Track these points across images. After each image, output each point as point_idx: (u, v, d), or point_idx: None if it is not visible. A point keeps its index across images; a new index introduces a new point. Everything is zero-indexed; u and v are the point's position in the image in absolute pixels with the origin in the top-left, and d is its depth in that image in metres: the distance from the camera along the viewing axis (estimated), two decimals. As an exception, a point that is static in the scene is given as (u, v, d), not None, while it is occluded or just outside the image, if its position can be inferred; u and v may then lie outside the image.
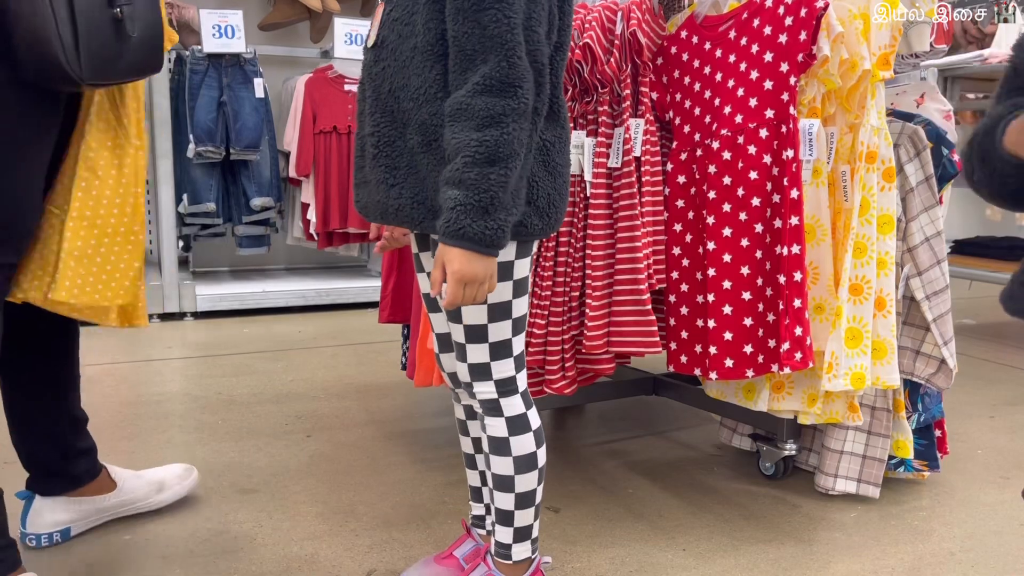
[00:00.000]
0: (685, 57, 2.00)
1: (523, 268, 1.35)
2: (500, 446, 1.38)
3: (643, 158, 1.96)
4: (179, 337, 3.74)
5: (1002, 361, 3.44)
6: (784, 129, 1.79)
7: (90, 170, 1.53)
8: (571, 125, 2.01)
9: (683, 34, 2.00)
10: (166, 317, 4.08)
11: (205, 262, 4.86)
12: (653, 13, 2.00)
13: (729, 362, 1.87)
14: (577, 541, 1.79)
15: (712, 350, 1.89)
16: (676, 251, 2.01)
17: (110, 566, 1.66)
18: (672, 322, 2.03)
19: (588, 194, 1.99)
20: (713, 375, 1.90)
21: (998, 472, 2.20)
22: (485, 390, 1.38)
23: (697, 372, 1.99)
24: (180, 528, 1.82)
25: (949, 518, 1.92)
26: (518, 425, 1.38)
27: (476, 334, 1.34)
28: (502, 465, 1.39)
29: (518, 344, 1.38)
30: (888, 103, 2.10)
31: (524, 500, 1.41)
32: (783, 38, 1.80)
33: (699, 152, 1.95)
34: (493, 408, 1.38)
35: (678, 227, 2.01)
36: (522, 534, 1.44)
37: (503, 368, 1.37)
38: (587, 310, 1.97)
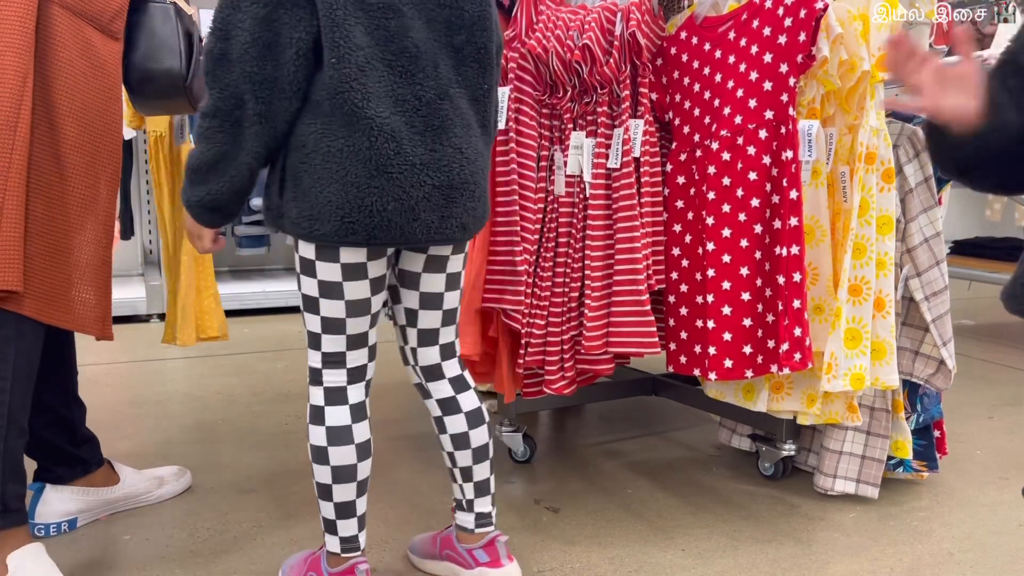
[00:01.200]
0: (685, 58, 2.00)
1: (330, 271, 1.36)
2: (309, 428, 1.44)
3: (642, 159, 1.96)
4: (179, 337, 3.73)
5: (1001, 361, 3.44)
6: (783, 130, 1.79)
7: None
8: (571, 126, 2.01)
9: (683, 35, 2.01)
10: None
11: (205, 262, 4.85)
12: (653, 14, 2.00)
13: (728, 363, 1.88)
14: (577, 541, 1.79)
15: (711, 351, 1.89)
16: (675, 252, 2.01)
17: (110, 565, 1.66)
18: (671, 323, 2.04)
19: (587, 195, 1.99)
20: (712, 375, 1.90)
21: (997, 473, 2.21)
22: (311, 360, 1.45)
23: (696, 372, 1.99)
24: (180, 528, 1.83)
25: (948, 518, 1.93)
26: (315, 415, 1.42)
27: (304, 313, 1.43)
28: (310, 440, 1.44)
29: (329, 343, 1.40)
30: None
31: (321, 491, 1.42)
32: (782, 39, 1.80)
33: (698, 153, 1.95)
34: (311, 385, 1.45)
35: (677, 228, 2.01)
36: (327, 526, 1.44)
37: (312, 358, 1.43)
38: (586, 310, 1.97)
